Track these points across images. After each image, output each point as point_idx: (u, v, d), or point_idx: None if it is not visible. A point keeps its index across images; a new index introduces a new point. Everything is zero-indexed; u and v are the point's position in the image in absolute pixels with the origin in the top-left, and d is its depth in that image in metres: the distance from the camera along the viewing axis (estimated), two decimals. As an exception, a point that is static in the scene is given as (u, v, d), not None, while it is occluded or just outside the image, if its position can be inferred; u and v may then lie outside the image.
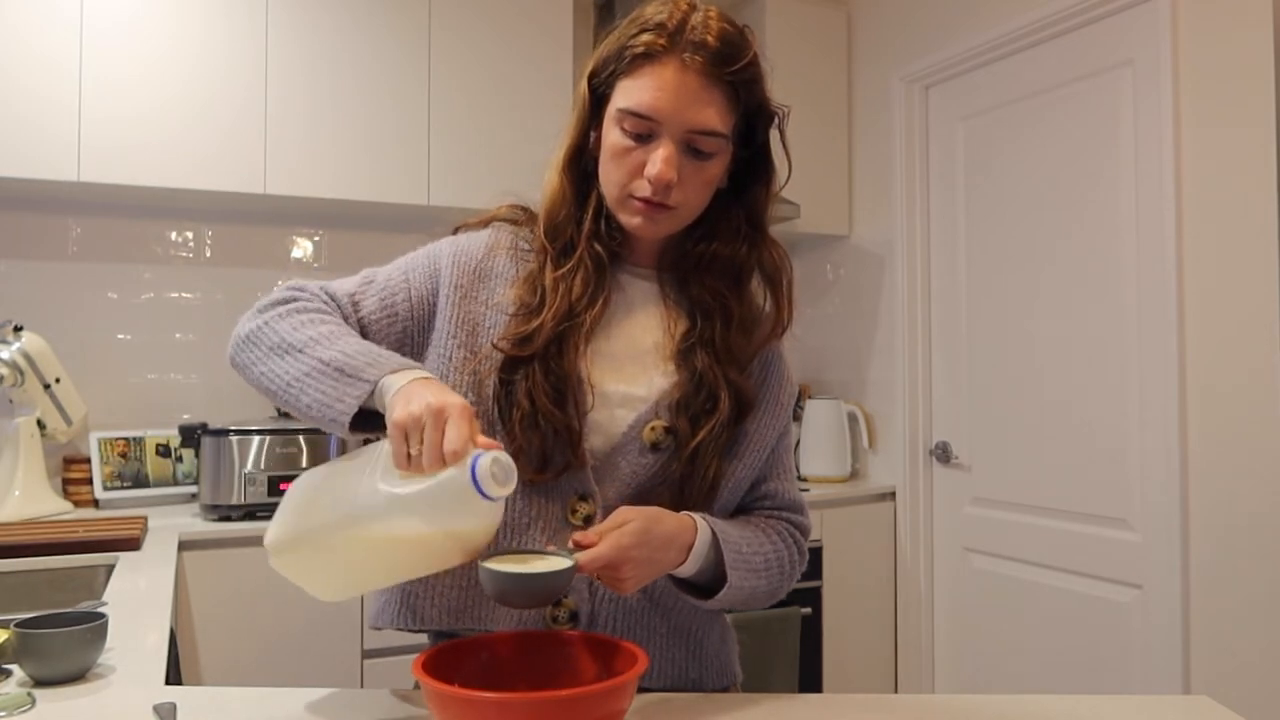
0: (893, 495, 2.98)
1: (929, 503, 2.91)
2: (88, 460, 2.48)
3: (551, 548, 0.93)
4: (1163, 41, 2.17)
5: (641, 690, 0.98)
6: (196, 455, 2.41)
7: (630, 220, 1.00)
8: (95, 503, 2.46)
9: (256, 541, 2.12)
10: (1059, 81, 2.49)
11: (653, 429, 1.00)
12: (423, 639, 1.09)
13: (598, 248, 1.02)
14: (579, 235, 1.03)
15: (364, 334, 1.02)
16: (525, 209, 1.11)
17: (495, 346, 1.00)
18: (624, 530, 0.89)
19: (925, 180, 2.93)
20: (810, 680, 2.74)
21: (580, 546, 0.88)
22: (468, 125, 2.67)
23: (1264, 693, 1.96)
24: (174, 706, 0.92)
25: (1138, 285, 2.27)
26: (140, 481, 2.51)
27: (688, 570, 0.97)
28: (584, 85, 1.02)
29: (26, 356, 2.30)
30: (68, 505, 2.38)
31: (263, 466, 2.28)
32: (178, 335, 2.67)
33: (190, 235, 2.70)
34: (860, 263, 3.15)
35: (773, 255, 1.06)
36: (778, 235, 1.09)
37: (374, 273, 1.08)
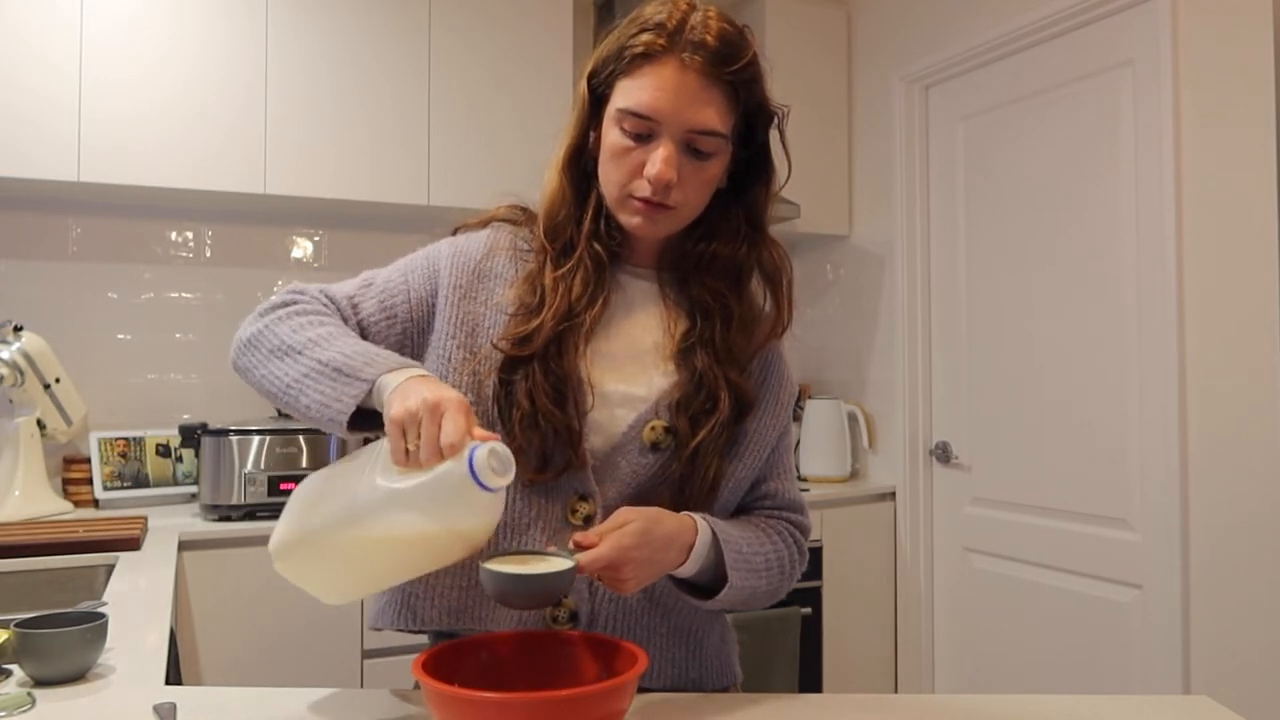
0: (893, 495, 2.98)
1: (929, 503, 2.91)
2: (88, 460, 2.48)
3: (552, 548, 0.93)
4: (1163, 41, 2.17)
5: (642, 690, 0.98)
6: (196, 455, 2.41)
7: (630, 220, 1.00)
8: (95, 503, 2.46)
9: (257, 541, 2.15)
10: (1059, 81, 2.49)
11: (653, 429, 1.00)
12: (423, 639, 1.09)
13: (597, 248, 1.02)
14: (579, 235, 1.03)
15: (364, 336, 1.03)
16: (525, 209, 1.11)
17: (495, 346, 1.00)
18: (624, 531, 0.89)
19: (925, 180, 2.93)
20: (810, 680, 2.74)
21: (581, 547, 0.89)
22: (468, 125, 2.67)
23: (1264, 693, 1.96)
24: (174, 706, 0.92)
25: (1138, 285, 2.27)
26: (140, 481, 2.51)
27: (688, 570, 0.97)
28: (583, 85, 1.02)
29: (26, 356, 2.30)
30: (68, 505, 2.38)
31: (263, 466, 2.28)
32: (178, 335, 2.67)
33: (190, 235, 2.70)
34: (860, 263, 3.15)
35: (772, 255, 1.06)
36: (778, 235, 1.09)
37: (373, 275, 1.09)
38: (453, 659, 0.85)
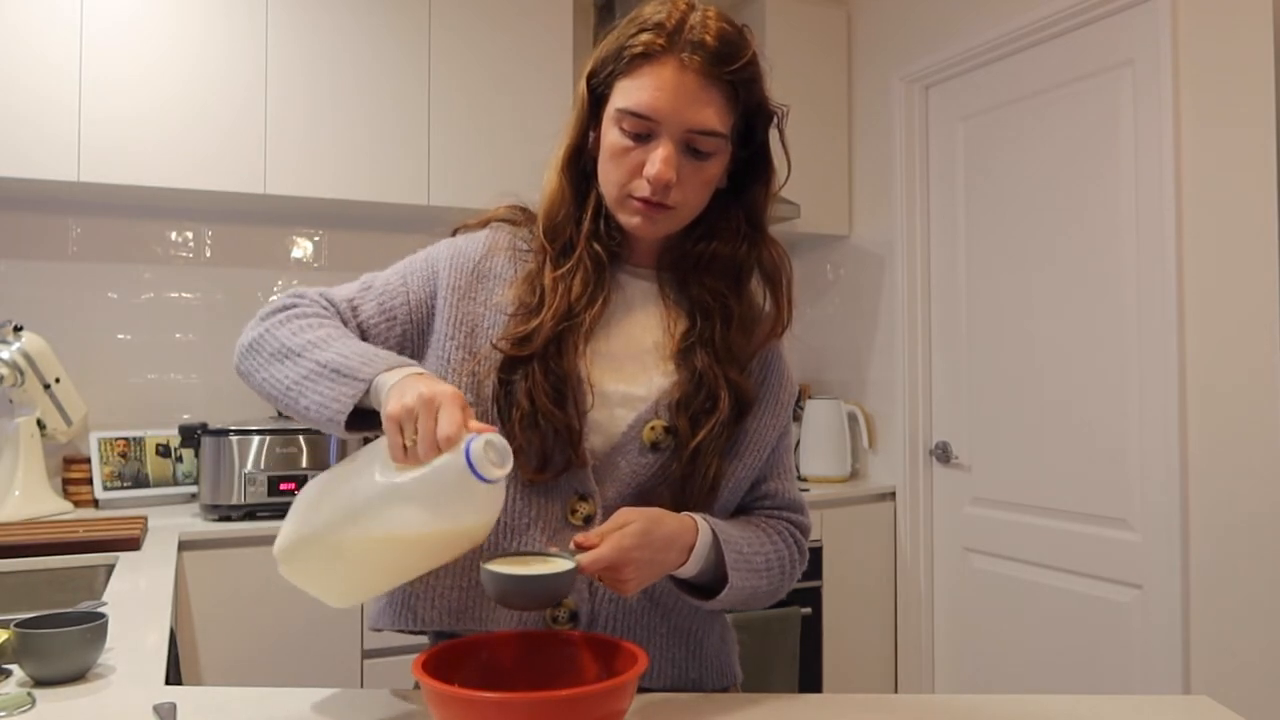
0: (893, 495, 2.98)
1: (929, 503, 2.91)
2: (88, 460, 2.48)
3: (553, 549, 0.93)
4: (1163, 41, 2.17)
5: (642, 690, 0.98)
6: (196, 455, 2.41)
7: (629, 220, 1.00)
8: (95, 503, 2.46)
9: (256, 541, 2.15)
10: (1059, 81, 2.49)
11: (652, 429, 1.00)
12: (423, 639, 1.09)
13: (597, 247, 1.02)
14: (578, 235, 1.03)
15: (364, 338, 1.03)
16: (524, 209, 1.11)
17: (494, 346, 1.00)
18: (625, 532, 0.90)
19: (925, 180, 2.93)
20: (810, 680, 2.74)
21: (581, 548, 0.89)
22: (468, 125, 2.67)
23: (1264, 693, 1.96)
24: (174, 706, 0.92)
25: (1138, 285, 2.27)
26: (140, 481, 2.51)
27: (689, 571, 0.97)
28: (583, 85, 1.02)
29: (26, 356, 2.30)
30: (68, 505, 2.38)
31: (263, 466, 2.28)
32: (178, 335, 2.67)
33: (190, 235, 2.70)
34: (860, 263, 3.15)
35: (772, 254, 1.06)
36: (778, 235, 1.09)
37: (373, 277, 1.09)
38: (453, 659, 0.85)
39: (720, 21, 0.97)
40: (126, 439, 2.52)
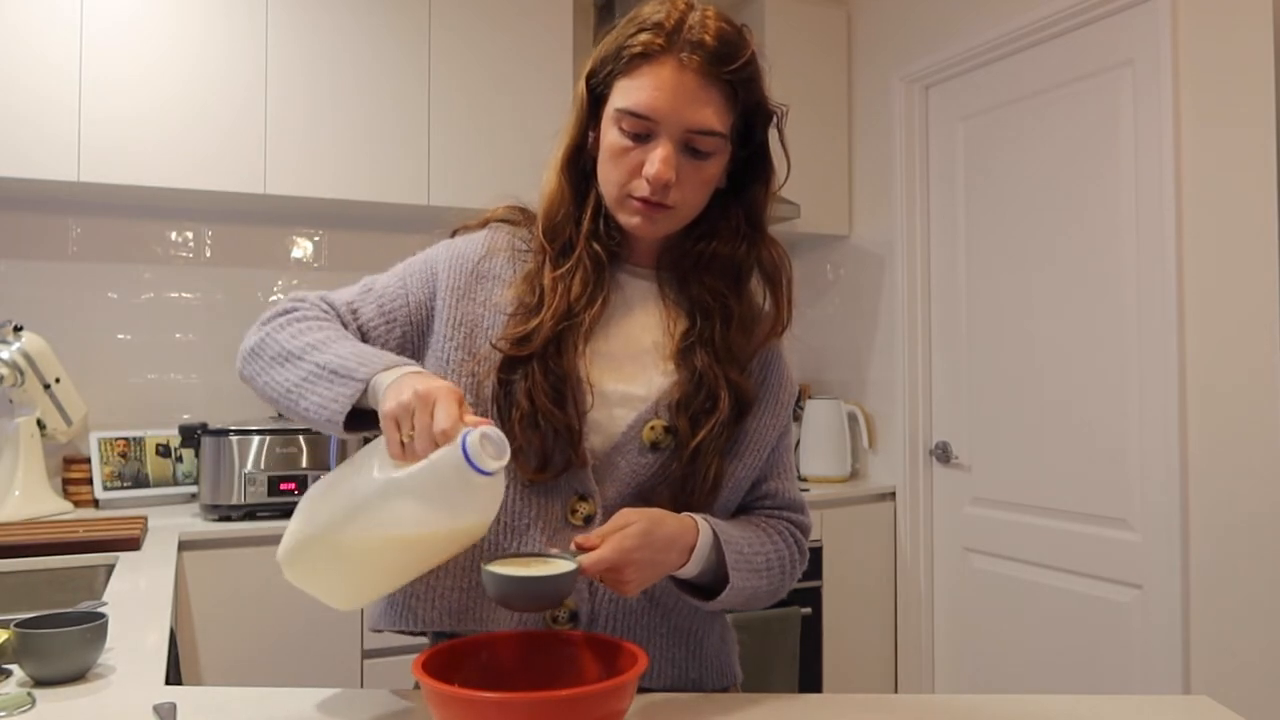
0: (893, 495, 2.98)
1: (929, 503, 2.91)
2: (88, 460, 2.48)
3: (554, 550, 0.93)
4: (1163, 41, 2.17)
5: (642, 690, 0.98)
6: (196, 455, 2.41)
7: (629, 220, 1.00)
8: (95, 503, 2.46)
9: (256, 541, 2.15)
10: (1059, 81, 2.49)
11: (652, 428, 1.00)
12: (423, 639, 1.09)
13: (596, 247, 1.02)
14: (577, 235, 1.03)
15: (365, 341, 1.03)
16: (523, 210, 1.11)
17: (494, 346, 1.00)
18: (626, 533, 0.90)
19: (925, 180, 2.93)
20: (810, 680, 2.74)
21: (583, 549, 0.89)
22: (468, 125, 2.67)
23: (1264, 693, 1.96)
24: (174, 706, 0.93)
25: (1138, 285, 2.27)
26: (140, 481, 2.51)
27: (690, 571, 0.97)
28: (582, 85, 1.02)
29: (26, 356, 2.30)
30: (68, 505, 2.38)
31: (263, 466, 2.28)
32: (178, 335, 2.67)
33: (190, 235, 2.70)
34: (860, 263, 3.15)
35: (772, 254, 1.06)
36: (778, 235, 1.09)
37: (373, 280, 1.09)
38: (453, 659, 0.85)
39: (719, 21, 0.97)
40: (126, 439, 2.52)
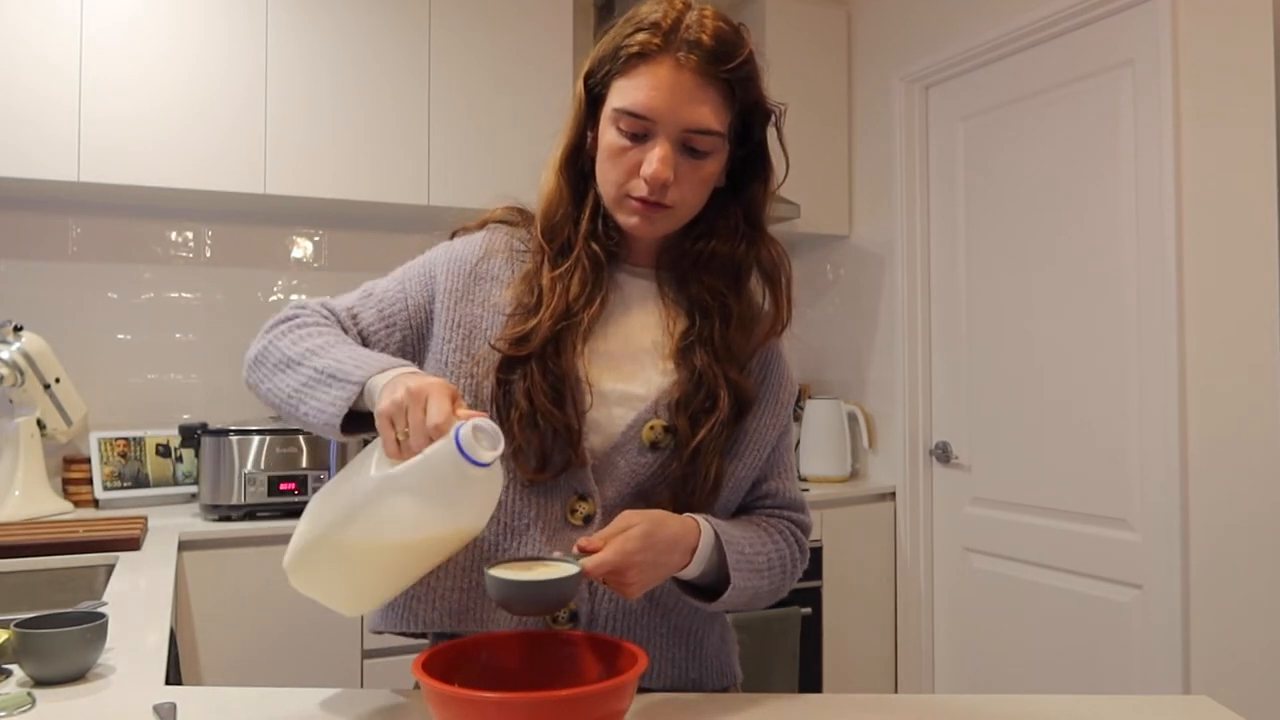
0: (893, 495, 2.98)
1: (929, 503, 2.91)
2: (88, 460, 2.48)
3: (557, 553, 0.93)
4: (1163, 41, 2.17)
5: (642, 690, 0.98)
6: (196, 455, 2.41)
7: (627, 220, 1.00)
8: (95, 503, 2.46)
9: (256, 541, 2.15)
10: (1059, 81, 2.49)
11: (652, 428, 1.00)
12: (423, 640, 1.09)
13: (595, 247, 1.03)
14: (576, 235, 1.03)
15: (365, 345, 1.04)
16: (521, 210, 1.11)
17: (493, 346, 1.00)
18: (628, 535, 0.90)
19: (925, 180, 2.93)
20: (810, 680, 2.74)
21: (585, 552, 0.89)
22: (468, 125, 2.67)
23: (1264, 693, 1.96)
24: (174, 706, 0.93)
25: (1138, 285, 2.27)
26: (140, 481, 2.51)
27: (691, 573, 0.97)
28: (580, 85, 1.02)
29: (26, 356, 2.30)
30: (68, 505, 2.38)
31: (263, 466, 2.28)
32: (178, 335, 2.67)
33: (190, 235, 2.70)
34: (860, 263, 3.15)
35: (771, 253, 1.06)
36: (778, 235, 1.09)
37: (373, 285, 1.10)
38: (453, 659, 0.85)
39: (716, 20, 0.97)
40: (126, 439, 2.52)
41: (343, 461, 2.36)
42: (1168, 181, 2.16)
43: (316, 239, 2.84)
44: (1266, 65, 1.98)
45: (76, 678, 1.05)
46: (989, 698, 1.03)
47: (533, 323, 0.99)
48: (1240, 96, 2.03)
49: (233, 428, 2.30)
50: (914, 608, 2.92)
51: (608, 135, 0.98)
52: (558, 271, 1.01)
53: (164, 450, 2.56)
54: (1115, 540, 2.31)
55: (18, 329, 2.32)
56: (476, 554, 1.00)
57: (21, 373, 2.28)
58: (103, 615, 1.10)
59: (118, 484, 2.48)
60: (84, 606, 1.33)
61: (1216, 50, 2.07)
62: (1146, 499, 2.23)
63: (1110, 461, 2.32)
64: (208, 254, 2.72)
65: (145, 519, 2.18)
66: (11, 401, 2.32)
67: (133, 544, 1.90)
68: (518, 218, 1.11)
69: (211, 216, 2.71)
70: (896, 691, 2.95)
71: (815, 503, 2.79)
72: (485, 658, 0.89)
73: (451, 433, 0.78)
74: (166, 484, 2.54)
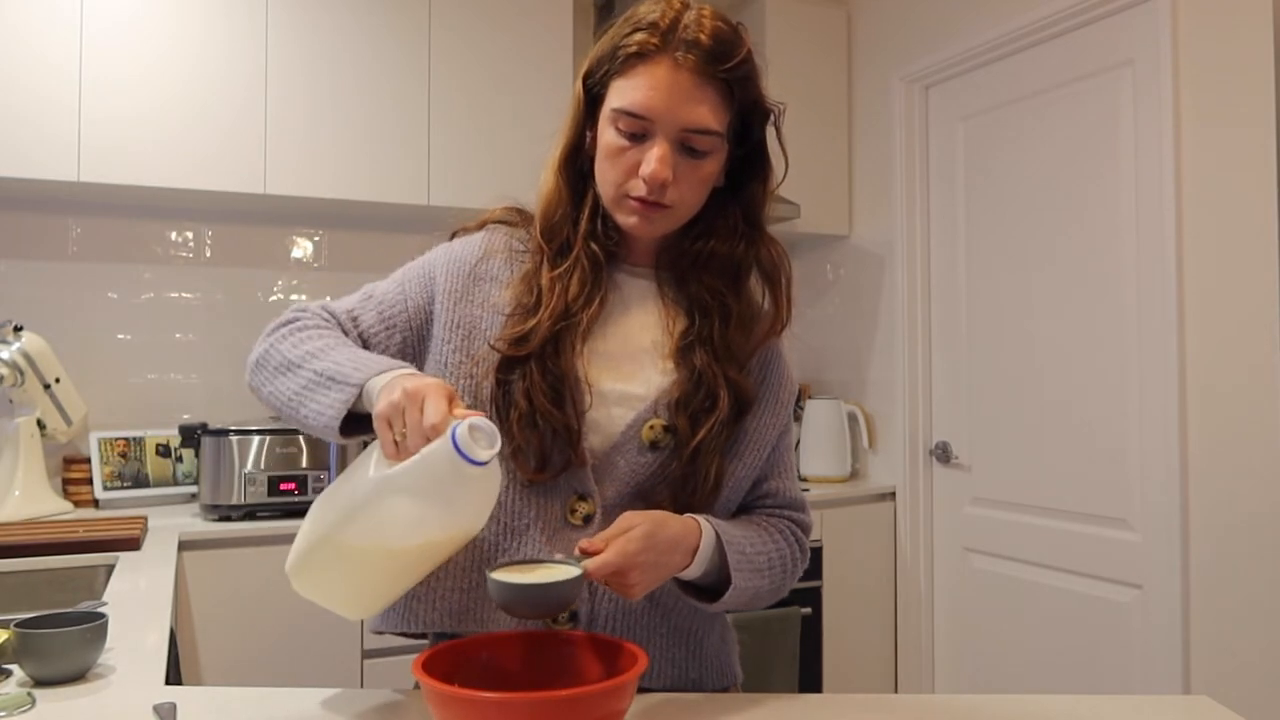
0: (893, 495, 2.98)
1: (929, 503, 2.91)
2: (88, 460, 2.48)
3: (559, 555, 0.93)
4: (1163, 41, 2.17)
5: (642, 690, 0.98)
6: (196, 455, 2.41)
7: (626, 220, 1.00)
8: (95, 503, 2.46)
9: (256, 541, 2.15)
10: (1059, 81, 2.49)
11: (651, 428, 1.00)
12: (424, 640, 1.09)
13: (594, 247, 1.03)
14: (575, 235, 1.03)
15: (366, 348, 1.04)
16: (520, 210, 1.11)
17: (492, 346, 1.00)
18: (630, 536, 0.90)
19: (925, 180, 2.93)
20: (810, 680, 2.74)
21: (587, 553, 0.89)
22: (468, 125, 2.67)
23: (1264, 693, 1.96)
24: (174, 706, 0.93)
25: (1138, 285, 2.27)
26: (140, 481, 2.51)
27: (693, 573, 0.97)
28: (579, 85, 1.02)
29: (26, 356, 2.30)
30: (68, 505, 2.38)
31: (263, 466, 2.28)
32: (178, 335, 2.67)
33: (190, 235, 2.70)
34: (860, 263, 3.15)
35: (771, 252, 1.06)
36: (777, 235, 1.09)
37: (373, 287, 1.10)
38: (453, 659, 0.85)
39: (715, 20, 0.97)
40: (126, 439, 2.52)
41: (342, 462, 2.36)
42: (1168, 181, 2.16)
43: (316, 239, 2.84)
44: (1266, 65, 1.98)
45: (76, 678, 1.05)
46: (989, 698, 1.03)
47: (532, 323, 0.99)
48: (1240, 96, 2.03)
49: (233, 428, 2.30)
50: (914, 608, 2.92)
51: (606, 135, 0.98)
52: (557, 271, 1.01)
53: (164, 450, 2.56)
54: (1115, 540, 2.31)
55: (18, 329, 2.32)
56: (476, 554, 1.00)
57: (21, 373, 2.28)
58: (103, 615, 1.10)
59: (118, 484, 2.48)
60: (84, 606, 1.33)
61: (1216, 50, 2.07)
62: (1146, 499, 2.23)
63: (1110, 461, 2.32)
64: (208, 254, 2.72)
65: (145, 519, 2.18)
66: (11, 401, 2.32)
67: (133, 544, 1.90)
68: (517, 218, 1.11)
69: (211, 216, 2.71)
70: (896, 691, 2.95)
71: (815, 503, 2.79)
72: (485, 658, 0.89)
73: (448, 432, 0.79)
74: (166, 484, 2.55)
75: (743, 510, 1.10)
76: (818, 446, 3.04)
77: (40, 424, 2.35)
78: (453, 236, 1.12)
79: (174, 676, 1.46)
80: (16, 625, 1.04)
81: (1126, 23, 2.30)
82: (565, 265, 1.02)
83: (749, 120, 1.01)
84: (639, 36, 0.95)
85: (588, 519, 1.00)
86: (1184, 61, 2.14)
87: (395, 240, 2.86)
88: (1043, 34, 2.50)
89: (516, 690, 0.78)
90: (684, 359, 1.02)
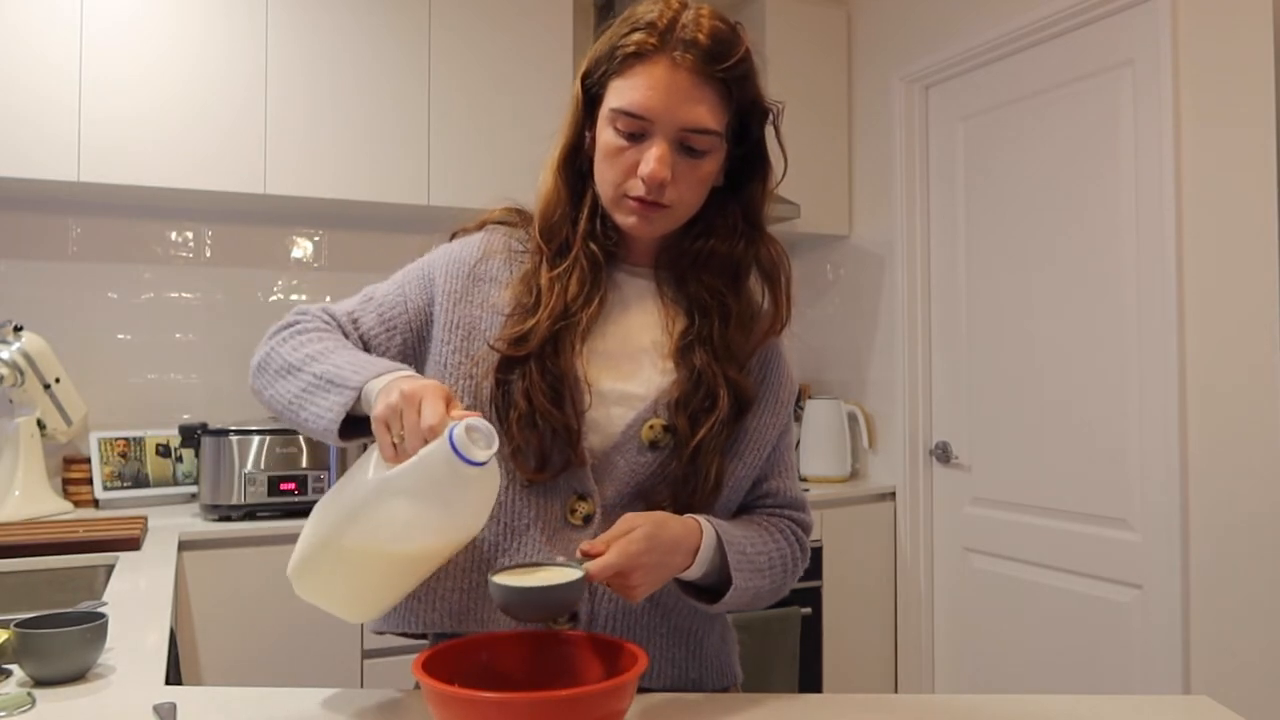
0: (893, 495, 2.98)
1: (929, 503, 2.91)
2: (88, 460, 2.48)
3: (560, 558, 0.93)
4: (1163, 41, 2.17)
5: (642, 690, 0.98)
6: (196, 455, 2.41)
7: (625, 220, 1.00)
8: (95, 503, 2.46)
9: (256, 541, 2.15)
10: (1059, 81, 2.49)
11: (651, 427, 1.00)
12: (424, 640, 1.09)
13: (593, 247, 1.03)
14: (574, 235, 1.03)
15: (366, 349, 1.04)
16: (520, 210, 1.11)
17: (491, 346, 1.00)
18: (631, 537, 0.89)
19: (925, 180, 2.93)
20: (810, 680, 2.74)
21: (588, 555, 0.89)
22: (468, 125, 2.67)
23: (1264, 693, 1.96)
24: (174, 706, 0.93)
25: (1138, 285, 2.27)
26: (140, 481, 2.51)
27: (693, 574, 0.97)
28: (577, 85, 1.02)
29: (26, 356, 2.30)
30: (68, 505, 2.38)
31: (263, 466, 2.28)
32: (178, 335, 2.67)
33: (190, 235, 2.70)
34: (860, 263, 3.15)
35: (770, 252, 1.06)
36: (777, 235, 1.09)
37: (373, 289, 1.10)
38: (453, 659, 0.85)
39: (713, 20, 0.97)
40: (126, 439, 2.52)
41: (343, 462, 2.36)
42: (1168, 181, 2.16)
43: (316, 239, 2.84)
44: (1266, 65, 1.98)
45: (76, 678, 1.05)
46: (989, 698, 1.03)
47: (531, 323, 0.99)
48: (1240, 96, 2.03)
49: (233, 428, 2.30)
50: (914, 608, 2.92)
51: (605, 135, 0.98)
52: (556, 271, 1.01)
53: (164, 450, 2.56)
54: (1115, 540, 2.31)
55: (18, 329, 2.32)
56: (476, 555, 1.00)
57: (21, 373, 2.28)
58: (103, 615, 1.10)
59: (118, 484, 2.48)
60: (84, 606, 1.33)
61: (1216, 50, 2.07)
62: (1146, 499, 2.23)
63: (1110, 461, 2.32)
64: (208, 254, 2.72)
65: (145, 519, 2.18)
66: (11, 401, 2.32)
67: (133, 544, 1.90)
68: (516, 218, 1.11)
69: (211, 216, 2.71)
70: (896, 691, 2.95)
71: (815, 503, 2.79)
72: (485, 658, 0.89)
73: (445, 433, 0.79)
74: (166, 484, 2.55)
75: (743, 510, 1.10)
76: (818, 446, 3.04)
77: (40, 424, 2.35)
78: (452, 237, 1.12)
79: (174, 676, 1.46)
80: (16, 625, 1.04)
81: (1126, 23, 2.30)
82: (564, 265, 1.02)
83: (748, 119, 1.01)
84: (637, 36, 0.95)
85: (587, 519, 1.00)
86: (1184, 61, 2.14)
87: (395, 240, 2.87)
88: (1043, 34, 2.50)
89: (516, 690, 0.78)
90: (684, 359, 1.02)
